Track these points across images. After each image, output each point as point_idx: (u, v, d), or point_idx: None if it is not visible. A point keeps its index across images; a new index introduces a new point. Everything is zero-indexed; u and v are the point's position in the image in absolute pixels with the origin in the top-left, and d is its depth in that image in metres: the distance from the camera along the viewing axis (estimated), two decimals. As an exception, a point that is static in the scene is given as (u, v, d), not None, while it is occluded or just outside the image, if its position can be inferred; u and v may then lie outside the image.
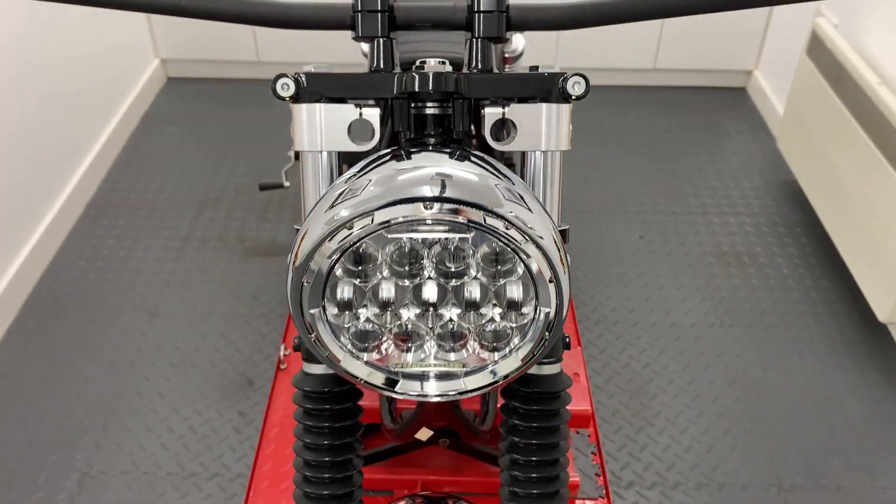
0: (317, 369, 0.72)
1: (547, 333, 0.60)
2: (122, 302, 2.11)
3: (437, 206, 0.54)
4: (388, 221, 0.54)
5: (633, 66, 3.07)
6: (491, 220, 0.55)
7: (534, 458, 0.72)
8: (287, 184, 2.20)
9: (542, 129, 0.66)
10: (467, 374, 0.63)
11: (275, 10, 0.68)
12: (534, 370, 0.72)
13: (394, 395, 0.63)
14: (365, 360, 0.62)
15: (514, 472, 0.73)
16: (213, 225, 2.39)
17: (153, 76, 2.97)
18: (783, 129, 2.51)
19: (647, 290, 2.19)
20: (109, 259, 2.25)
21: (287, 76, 0.64)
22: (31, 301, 2.11)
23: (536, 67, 0.67)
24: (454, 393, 0.63)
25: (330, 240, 0.55)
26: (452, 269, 0.59)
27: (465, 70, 0.67)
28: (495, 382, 0.63)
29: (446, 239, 0.57)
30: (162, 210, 2.44)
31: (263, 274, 2.22)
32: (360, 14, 0.66)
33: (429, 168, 0.57)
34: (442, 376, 0.63)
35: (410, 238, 0.57)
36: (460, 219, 0.55)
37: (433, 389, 0.63)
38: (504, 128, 0.66)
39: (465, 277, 0.59)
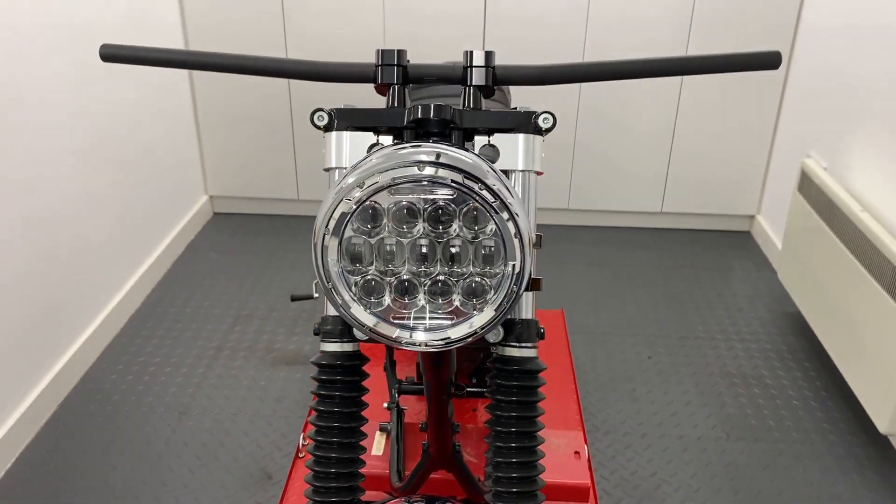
0: (331, 347, 0.87)
1: (515, 287, 0.74)
2: (155, 401, 2.24)
3: (429, 169, 0.71)
4: (394, 180, 0.71)
5: (642, 210, 3.30)
6: (469, 182, 0.72)
7: (514, 429, 0.84)
8: (316, 295, 2.37)
9: (520, 154, 0.85)
10: (452, 325, 0.77)
11: (312, 67, 0.90)
12: (513, 352, 0.85)
13: (391, 344, 0.77)
14: (370, 311, 0.77)
15: (497, 442, 0.84)
16: (245, 336, 2.56)
17: (201, 210, 3.26)
18: (782, 261, 2.68)
19: (655, 405, 2.27)
20: (146, 364, 2.41)
21: (323, 110, 0.84)
22: (72, 395, 2.25)
23: (515, 107, 0.86)
24: (441, 341, 0.76)
25: (347, 199, 0.72)
26: (441, 230, 0.75)
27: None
28: (474, 332, 0.77)
29: (436, 202, 0.74)
30: (198, 323, 2.62)
31: (288, 381, 2.35)
32: (380, 67, 0.87)
33: (427, 148, 0.74)
34: (431, 329, 0.77)
35: (409, 199, 0.74)
36: (443, 174, 0.71)
37: (423, 337, 0.77)
38: (490, 153, 0.85)
39: (451, 233, 0.75)
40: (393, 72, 0.87)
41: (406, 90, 0.88)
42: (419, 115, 0.81)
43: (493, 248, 0.75)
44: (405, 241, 0.75)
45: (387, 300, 0.77)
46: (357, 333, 0.86)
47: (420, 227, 0.74)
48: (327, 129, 0.85)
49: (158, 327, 2.60)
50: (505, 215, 0.72)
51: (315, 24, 2.99)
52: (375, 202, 0.73)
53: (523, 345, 0.85)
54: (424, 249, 0.74)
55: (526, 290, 0.85)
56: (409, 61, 0.89)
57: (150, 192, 2.79)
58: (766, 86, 3.02)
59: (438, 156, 0.71)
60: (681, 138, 3.14)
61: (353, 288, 0.77)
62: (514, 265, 0.74)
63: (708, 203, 3.27)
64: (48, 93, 2.13)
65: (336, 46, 3.01)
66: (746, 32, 2.94)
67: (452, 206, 0.73)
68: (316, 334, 0.88)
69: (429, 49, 3.01)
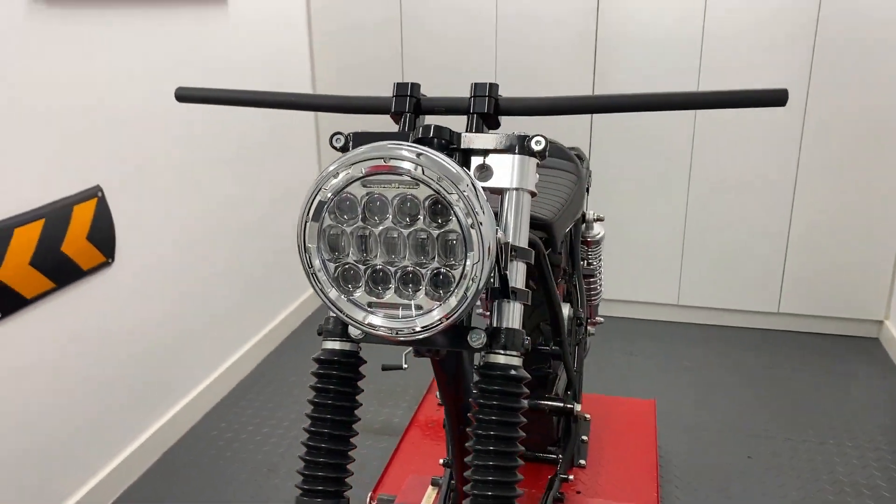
0: (330, 345, 0.94)
1: (476, 279, 0.79)
2: (247, 458, 2.36)
3: (393, 161, 0.79)
4: (360, 164, 0.79)
5: (756, 309, 3.16)
6: (429, 173, 0.78)
7: (493, 433, 0.85)
8: (406, 366, 2.45)
9: (512, 173, 0.91)
10: (419, 315, 0.82)
11: (338, 101, 1.02)
12: (498, 359, 0.88)
13: (363, 329, 0.83)
14: (346, 298, 0.84)
15: (476, 446, 0.86)
16: (340, 406, 2.66)
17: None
18: (905, 364, 2.47)
19: (750, 505, 2.12)
20: (244, 424, 2.55)
21: (341, 133, 0.95)
22: (176, 446, 2.41)
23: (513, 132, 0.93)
24: (408, 330, 0.81)
25: (323, 188, 0.81)
26: (408, 220, 0.81)
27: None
28: (440, 322, 0.81)
29: (404, 194, 0.80)
30: (299, 391, 2.75)
31: (372, 450, 2.40)
32: (395, 98, 0.97)
33: (408, 146, 0.81)
34: (403, 317, 0.82)
35: (379, 191, 0.81)
36: (406, 165, 0.78)
37: (393, 324, 0.82)
38: (484, 171, 0.91)
39: (417, 224, 0.81)
40: (405, 102, 0.97)
41: (417, 119, 0.97)
42: (420, 136, 0.90)
43: (454, 242, 0.80)
44: (377, 230, 0.82)
45: (362, 287, 0.84)
46: (352, 331, 0.93)
47: (389, 214, 0.81)
48: (343, 150, 0.95)
49: (263, 392, 2.75)
50: (466, 218, 0.78)
51: (430, 56, 3.21)
52: (349, 193, 0.82)
53: (508, 352, 0.88)
54: (394, 235, 0.81)
55: (507, 298, 0.89)
56: (423, 95, 0.99)
57: (276, 266, 3.03)
58: (893, 176, 2.89)
59: (419, 155, 0.79)
60: (799, 233, 3.03)
61: (334, 276, 0.84)
62: (472, 255, 0.79)
63: (830, 305, 3.09)
64: (218, 177, 2.42)
65: (451, 77, 3.20)
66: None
67: (417, 199, 0.80)
68: (319, 334, 0.95)
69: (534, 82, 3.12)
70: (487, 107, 0.94)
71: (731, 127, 2.97)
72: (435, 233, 0.80)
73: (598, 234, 1.88)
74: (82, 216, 1.97)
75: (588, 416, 2.30)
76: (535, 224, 1.50)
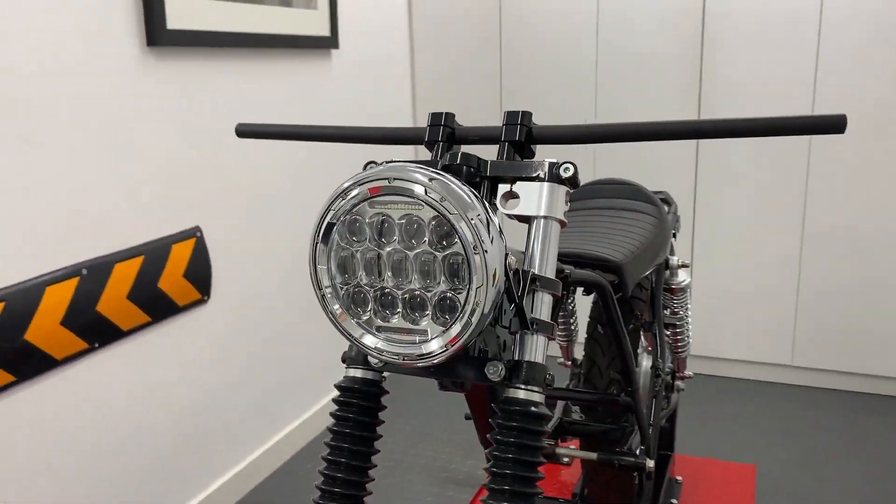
0: (352, 372, 0.92)
1: (479, 306, 0.76)
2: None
3: (397, 182, 0.77)
4: (363, 183, 0.78)
5: (883, 374, 2.89)
6: (433, 194, 0.77)
7: (509, 472, 0.80)
8: (489, 416, 2.40)
9: (539, 201, 0.88)
10: (426, 341, 0.79)
11: (383, 133, 1.03)
12: (518, 393, 0.84)
13: (368, 352, 0.82)
14: (355, 321, 0.83)
15: (492, 485, 0.81)
16: (424, 453, 2.62)
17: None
18: None
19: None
20: (332, 466, 2.57)
21: (375, 162, 0.95)
22: (264, 483, 2.46)
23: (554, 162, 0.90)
24: (413, 356, 0.79)
25: (332, 209, 0.81)
26: (414, 243, 0.80)
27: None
28: (445, 349, 0.78)
29: (410, 215, 0.79)
30: (388, 436, 2.75)
31: (454, 501, 2.35)
32: (429, 128, 0.97)
33: (421, 168, 0.80)
34: (406, 342, 0.81)
35: (386, 211, 0.80)
36: (411, 187, 0.77)
37: (397, 349, 0.80)
38: (510, 198, 0.89)
39: (423, 245, 0.79)
40: (438, 131, 0.97)
41: (451, 148, 0.96)
42: (447, 162, 0.89)
43: (459, 264, 0.78)
44: (384, 252, 0.81)
45: (370, 310, 0.82)
46: (371, 360, 0.91)
47: (395, 236, 0.80)
48: None
49: (351, 436, 2.77)
50: (471, 241, 0.76)
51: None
52: (357, 214, 0.81)
53: (529, 387, 0.84)
54: (399, 257, 0.79)
55: (524, 329, 0.85)
56: (458, 124, 0.98)
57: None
58: None
59: (431, 179, 0.78)
60: (928, 294, 2.76)
61: (344, 298, 0.83)
62: (475, 279, 0.76)
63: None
64: (313, 218, 2.53)
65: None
66: None
67: (423, 221, 0.78)
68: (343, 361, 0.94)
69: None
70: (519, 135, 0.92)
71: (849, 164, 2.78)
72: (440, 255, 0.79)
73: (683, 281, 1.79)
74: (180, 254, 2.08)
75: (680, 478, 2.16)
76: (604, 266, 1.44)
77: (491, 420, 0.85)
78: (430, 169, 0.80)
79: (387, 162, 0.94)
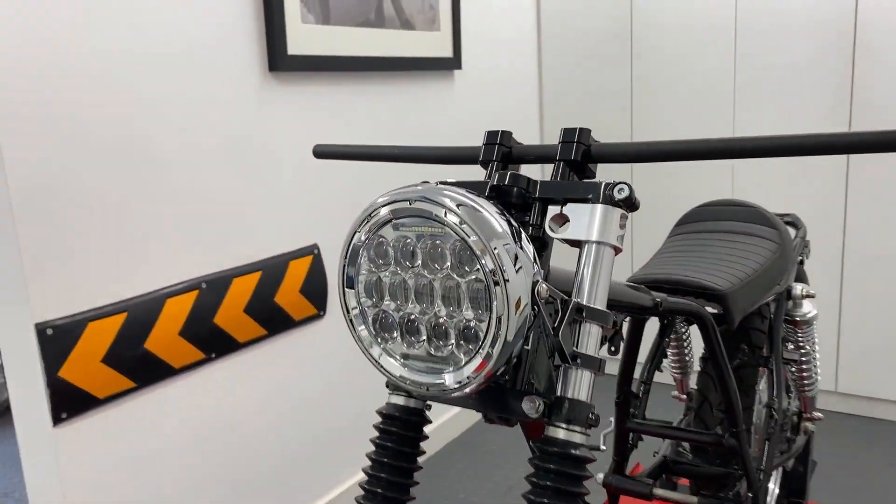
0: (395, 399, 0.90)
1: (500, 336, 0.70)
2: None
3: (417, 203, 0.74)
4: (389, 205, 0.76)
5: None
6: (451, 217, 0.72)
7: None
8: (604, 447, 2.29)
9: (592, 224, 0.81)
10: (448, 371, 0.75)
11: (444, 152, 1.00)
12: (558, 433, 0.77)
13: (393, 380, 0.80)
14: (382, 346, 0.80)
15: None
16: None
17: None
18: None
19: None
20: (446, 496, 2.55)
21: (428, 182, 0.93)
22: None
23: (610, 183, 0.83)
24: (436, 388, 0.75)
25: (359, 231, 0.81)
26: (437, 267, 0.76)
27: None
28: (462, 382, 0.73)
29: (431, 238, 0.75)
30: (503, 459, 2.70)
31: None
32: (484, 147, 0.93)
33: (457, 194, 0.77)
34: (432, 372, 0.77)
35: (405, 235, 0.77)
36: (431, 209, 0.73)
37: (420, 377, 0.77)
38: (560, 221, 0.83)
39: (445, 270, 0.75)
40: (493, 150, 0.92)
41: (507, 168, 0.92)
42: (494, 183, 0.85)
43: (480, 291, 0.73)
44: (406, 276, 0.78)
45: (396, 336, 0.79)
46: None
47: (418, 258, 0.77)
48: None
49: (462, 460, 2.74)
50: (493, 277, 0.72)
51: (661, 125, 3.06)
52: (381, 236, 0.79)
53: (570, 426, 0.77)
54: (424, 282, 0.76)
55: (565, 363, 0.79)
56: (517, 143, 0.94)
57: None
58: None
59: (460, 204, 0.74)
60: None
61: (372, 322, 0.81)
62: (497, 309, 0.71)
63: None
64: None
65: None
66: None
67: (444, 245, 0.75)
68: (387, 386, 0.92)
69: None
70: (575, 153, 0.86)
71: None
72: (462, 281, 0.75)
73: (809, 313, 1.62)
74: (297, 271, 2.16)
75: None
76: (707, 294, 1.34)
77: (528, 460, 0.80)
78: (465, 192, 0.77)
79: (423, 182, 0.92)
